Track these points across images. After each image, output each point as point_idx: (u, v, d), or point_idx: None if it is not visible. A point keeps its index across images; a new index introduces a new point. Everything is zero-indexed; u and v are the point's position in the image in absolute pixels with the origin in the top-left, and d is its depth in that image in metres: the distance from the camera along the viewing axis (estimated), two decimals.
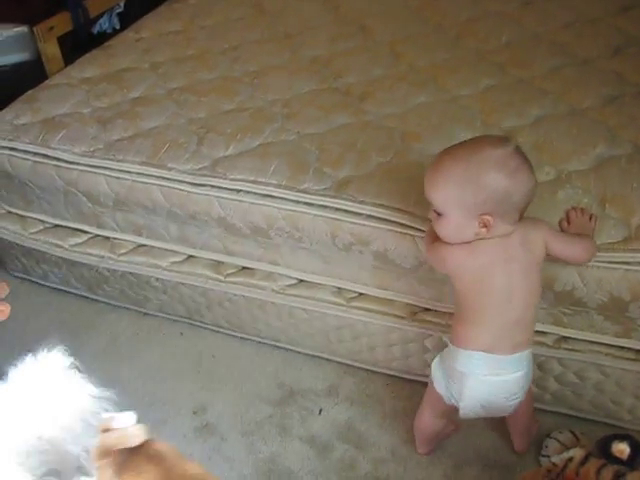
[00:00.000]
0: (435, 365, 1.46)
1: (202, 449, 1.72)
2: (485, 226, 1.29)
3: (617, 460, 1.20)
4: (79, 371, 0.84)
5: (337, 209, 1.58)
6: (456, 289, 1.39)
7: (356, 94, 1.92)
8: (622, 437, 1.23)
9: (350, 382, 1.84)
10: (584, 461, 1.22)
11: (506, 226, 1.31)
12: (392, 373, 1.83)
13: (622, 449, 1.21)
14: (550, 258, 1.38)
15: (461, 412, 1.44)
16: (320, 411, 1.78)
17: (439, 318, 1.64)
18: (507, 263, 1.32)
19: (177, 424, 1.78)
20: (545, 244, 1.35)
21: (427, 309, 1.66)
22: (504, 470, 1.61)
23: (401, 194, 1.56)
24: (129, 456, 0.76)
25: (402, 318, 1.67)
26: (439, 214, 1.32)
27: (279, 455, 1.70)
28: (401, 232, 1.53)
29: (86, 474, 0.78)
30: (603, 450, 1.22)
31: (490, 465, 1.63)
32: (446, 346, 1.44)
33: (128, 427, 0.77)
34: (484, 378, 1.36)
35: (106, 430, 0.76)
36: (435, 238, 1.39)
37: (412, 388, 1.78)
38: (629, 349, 1.54)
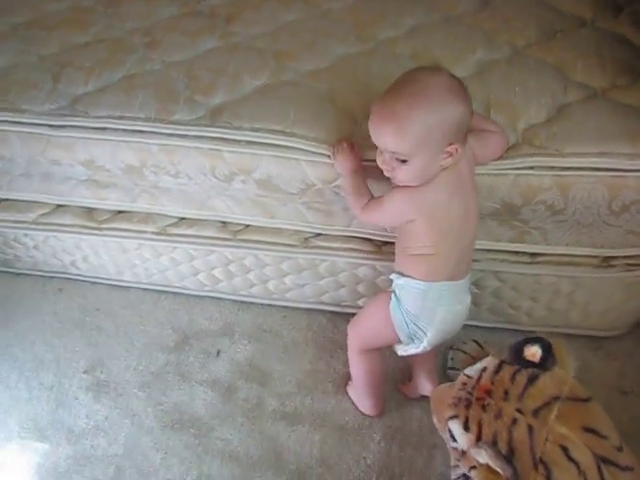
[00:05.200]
0: (394, 307, 1.37)
1: (98, 409, 1.63)
2: (451, 155, 1.22)
3: (530, 363, 1.19)
4: None
5: (213, 138, 1.48)
6: (414, 229, 1.30)
7: (222, 16, 1.79)
8: (533, 340, 1.21)
9: (245, 319, 1.78)
10: (498, 369, 1.20)
11: (464, 149, 1.25)
12: (287, 304, 1.78)
13: (534, 352, 1.19)
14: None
15: (426, 345, 1.37)
16: (218, 352, 1.71)
17: (331, 242, 1.58)
18: (461, 186, 1.28)
19: (67, 387, 1.67)
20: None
21: (318, 234, 1.60)
22: None
23: (280, 115, 1.47)
24: None
25: (293, 246, 1.61)
26: (402, 161, 1.22)
27: (182, 403, 1.63)
28: (284, 156, 1.44)
29: None
30: (516, 356, 1.20)
31: None
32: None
33: None
34: (453, 308, 1.34)
35: None
36: (362, 197, 1.34)
37: (309, 317, 1.75)
38: (523, 253, 1.55)
